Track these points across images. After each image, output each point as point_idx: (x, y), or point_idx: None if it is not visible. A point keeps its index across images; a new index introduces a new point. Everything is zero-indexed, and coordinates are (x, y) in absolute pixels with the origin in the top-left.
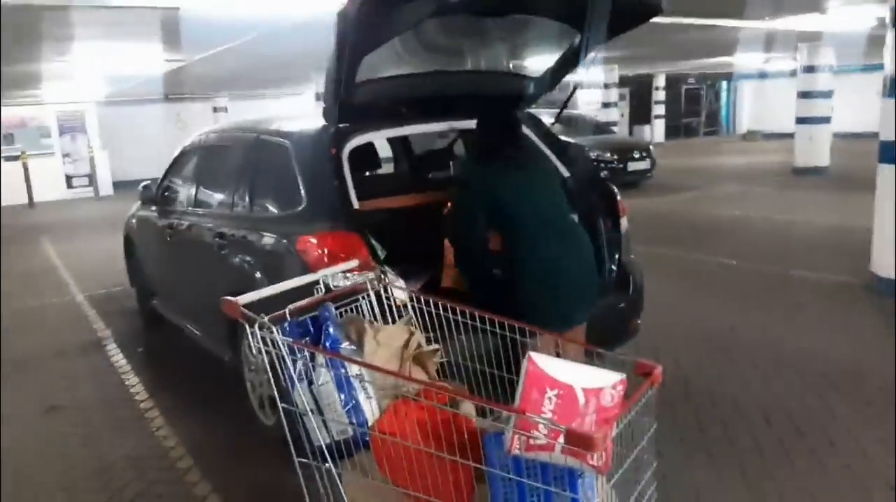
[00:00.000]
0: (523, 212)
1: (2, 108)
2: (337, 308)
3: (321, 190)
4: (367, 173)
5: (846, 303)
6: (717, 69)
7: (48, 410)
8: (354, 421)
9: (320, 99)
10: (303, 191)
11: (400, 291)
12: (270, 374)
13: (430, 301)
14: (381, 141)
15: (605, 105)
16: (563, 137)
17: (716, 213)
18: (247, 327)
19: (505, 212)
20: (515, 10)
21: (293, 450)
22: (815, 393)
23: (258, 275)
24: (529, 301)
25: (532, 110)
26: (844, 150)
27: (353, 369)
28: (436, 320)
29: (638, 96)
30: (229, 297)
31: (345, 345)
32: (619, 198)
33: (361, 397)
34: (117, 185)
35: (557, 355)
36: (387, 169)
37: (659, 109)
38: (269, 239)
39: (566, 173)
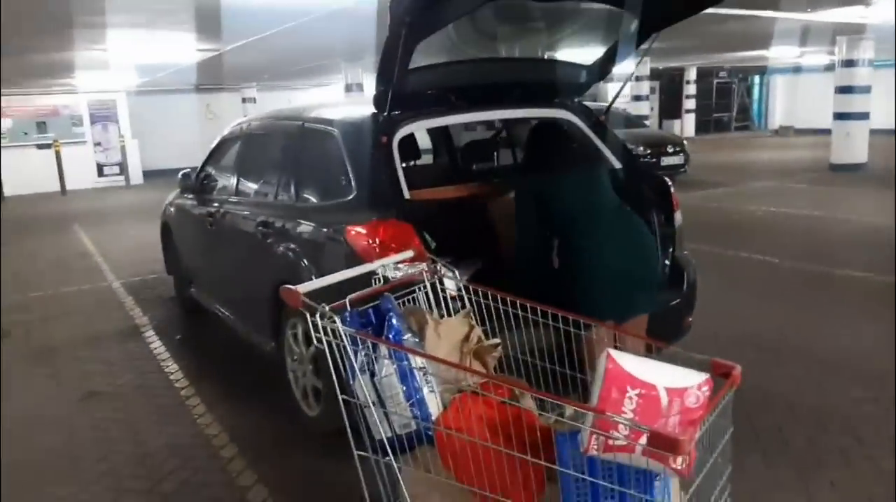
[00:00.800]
0: (573, 210)
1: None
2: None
3: (372, 179)
4: (411, 164)
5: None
6: (750, 62)
7: (87, 396)
8: (418, 414)
9: (350, 90)
10: (353, 180)
11: (454, 283)
12: (331, 365)
13: (488, 293)
14: (420, 132)
15: (636, 98)
16: None
17: (752, 210)
18: (307, 316)
19: (558, 216)
20: None
21: (352, 443)
22: (871, 396)
23: (304, 263)
24: (584, 293)
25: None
26: (882, 147)
27: (417, 361)
28: (493, 312)
29: (668, 90)
30: (289, 286)
31: (407, 336)
32: (672, 191)
33: (425, 390)
34: (147, 174)
35: (616, 348)
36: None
37: (689, 103)
38: (315, 228)
39: (617, 164)
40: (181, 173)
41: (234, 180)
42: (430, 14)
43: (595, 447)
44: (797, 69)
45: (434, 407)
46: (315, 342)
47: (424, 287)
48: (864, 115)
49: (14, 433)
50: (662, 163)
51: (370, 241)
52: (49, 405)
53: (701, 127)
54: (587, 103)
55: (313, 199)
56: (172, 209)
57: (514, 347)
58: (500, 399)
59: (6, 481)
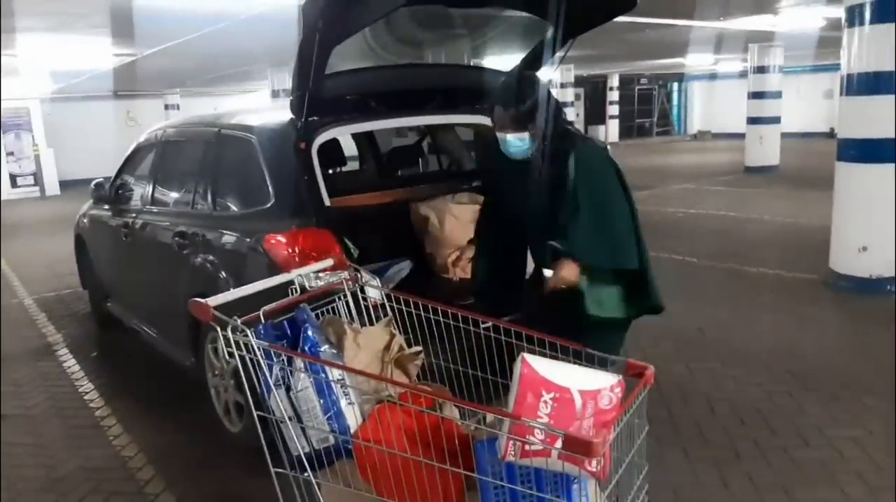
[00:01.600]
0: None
1: None
2: (312, 309)
3: (291, 186)
4: (333, 170)
5: (807, 299)
6: (669, 70)
7: None
8: (336, 427)
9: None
10: (271, 188)
11: (376, 291)
12: (245, 380)
13: (409, 301)
14: (345, 138)
15: (563, 104)
16: None
17: (672, 211)
18: (218, 331)
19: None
20: (488, 3)
21: (269, 460)
22: (785, 390)
23: (222, 275)
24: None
25: None
26: (793, 150)
27: (335, 373)
28: (415, 320)
29: (592, 96)
30: (198, 299)
31: (325, 348)
32: None
33: (343, 403)
34: (64, 185)
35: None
36: (351, 167)
37: (613, 110)
38: (233, 237)
39: None
40: (94, 183)
41: (150, 189)
42: (342, 18)
43: (512, 453)
44: (713, 76)
45: (352, 419)
46: (227, 356)
47: (345, 296)
48: (776, 120)
49: None
50: None
51: (289, 250)
52: None
53: (624, 132)
54: None
55: (232, 208)
56: (86, 220)
57: (437, 355)
58: (419, 408)
59: None
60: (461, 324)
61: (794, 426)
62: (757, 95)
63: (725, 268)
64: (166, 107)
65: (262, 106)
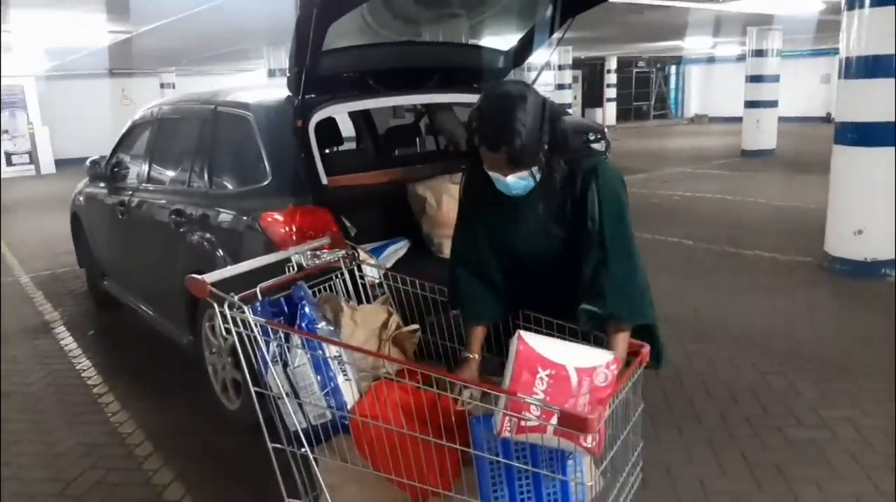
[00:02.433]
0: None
1: None
2: (310, 287)
3: (287, 164)
4: (330, 150)
5: (802, 282)
6: (667, 53)
7: None
8: (333, 404)
9: (273, 75)
10: (268, 165)
11: (373, 270)
12: (242, 357)
13: (407, 279)
14: (342, 117)
15: (560, 87)
16: None
17: (669, 194)
18: (215, 307)
19: None
20: None
21: (266, 436)
22: (779, 371)
23: (219, 253)
24: None
25: None
26: (789, 134)
27: (332, 350)
28: (411, 299)
29: (590, 79)
30: (195, 275)
31: (321, 325)
32: None
33: (340, 379)
34: (60, 163)
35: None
36: (348, 146)
37: (611, 92)
38: (230, 215)
39: None
40: (89, 160)
41: (146, 167)
42: None
43: (508, 429)
44: (711, 59)
45: (349, 395)
46: (223, 333)
47: (342, 274)
48: (773, 104)
49: None
50: None
51: (287, 228)
52: None
53: (621, 115)
54: None
55: (228, 186)
56: (82, 198)
57: (434, 333)
58: (416, 384)
59: None
60: None
61: (787, 406)
62: (755, 79)
63: (721, 250)
64: (162, 85)
65: (261, 84)
